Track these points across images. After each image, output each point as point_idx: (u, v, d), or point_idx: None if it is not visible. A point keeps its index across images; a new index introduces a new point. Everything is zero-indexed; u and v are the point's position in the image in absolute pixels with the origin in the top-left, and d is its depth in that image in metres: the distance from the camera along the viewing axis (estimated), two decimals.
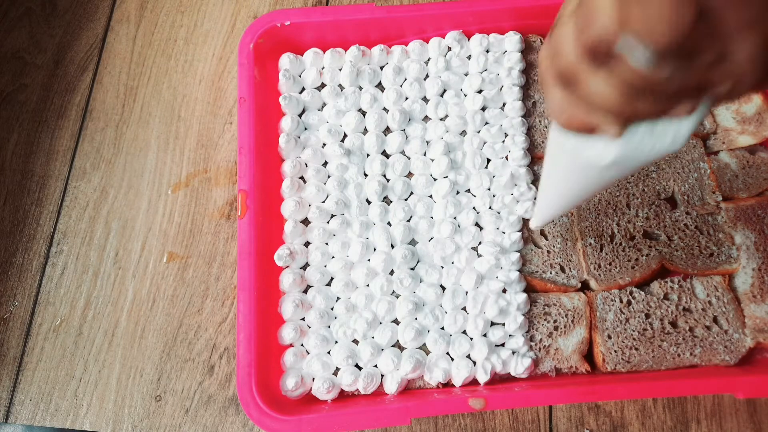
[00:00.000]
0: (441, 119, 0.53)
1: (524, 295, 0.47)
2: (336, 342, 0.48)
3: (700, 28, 0.20)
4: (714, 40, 0.22)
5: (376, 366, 0.47)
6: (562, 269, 0.49)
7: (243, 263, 0.46)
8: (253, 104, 0.51)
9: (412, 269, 0.49)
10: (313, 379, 0.46)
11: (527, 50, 0.55)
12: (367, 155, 0.53)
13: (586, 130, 0.28)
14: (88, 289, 0.55)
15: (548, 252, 0.50)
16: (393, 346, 0.47)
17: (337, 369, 0.47)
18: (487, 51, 0.55)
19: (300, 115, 0.54)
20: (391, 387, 0.45)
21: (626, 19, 0.21)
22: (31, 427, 0.52)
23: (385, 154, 0.53)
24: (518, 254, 0.49)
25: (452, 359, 0.46)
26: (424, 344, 0.47)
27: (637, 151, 0.28)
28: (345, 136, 0.53)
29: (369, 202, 0.51)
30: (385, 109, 0.54)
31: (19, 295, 0.55)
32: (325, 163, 0.53)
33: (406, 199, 0.51)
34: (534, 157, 0.52)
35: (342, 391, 0.46)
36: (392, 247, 0.49)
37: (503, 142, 0.53)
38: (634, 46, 0.22)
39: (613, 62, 0.23)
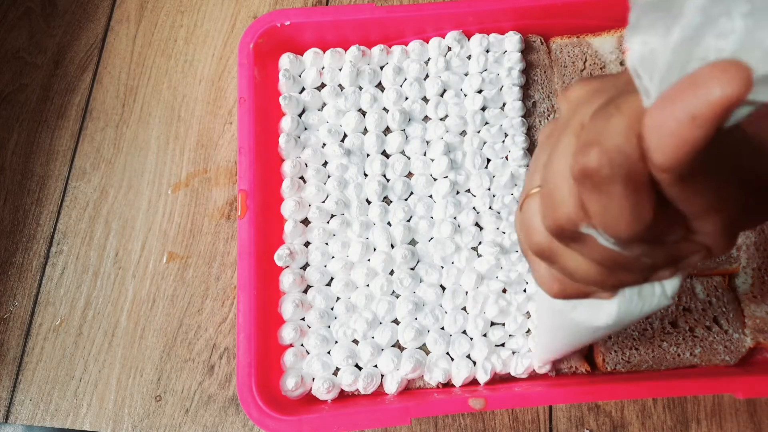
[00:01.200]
0: (441, 119, 0.53)
1: (524, 295, 0.47)
2: (336, 342, 0.48)
3: (660, 218, 0.20)
4: (677, 225, 0.22)
5: (376, 366, 0.47)
6: None
7: (243, 263, 0.46)
8: (253, 104, 0.51)
9: (412, 269, 0.49)
10: (313, 379, 0.46)
11: (527, 50, 0.55)
12: (367, 155, 0.53)
13: (579, 297, 0.27)
14: (88, 289, 0.55)
15: None
16: (393, 346, 0.47)
17: (337, 369, 0.47)
18: (487, 51, 0.55)
19: (300, 115, 0.54)
20: (391, 387, 0.45)
21: (586, 214, 0.21)
22: (31, 427, 0.52)
23: (385, 154, 0.53)
24: (518, 253, 0.49)
25: (452, 359, 0.46)
26: (424, 344, 0.47)
27: (628, 313, 0.27)
28: (345, 136, 0.53)
29: (369, 202, 0.51)
30: (385, 109, 0.54)
31: (19, 295, 0.55)
32: (325, 163, 0.53)
33: (406, 199, 0.51)
34: None
35: (342, 391, 0.46)
36: (392, 247, 0.49)
37: (503, 142, 0.53)
38: (599, 234, 0.22)
39: (582, 242, 0.23)
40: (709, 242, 0.22)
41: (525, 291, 0.48)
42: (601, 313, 0.27)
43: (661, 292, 0.27)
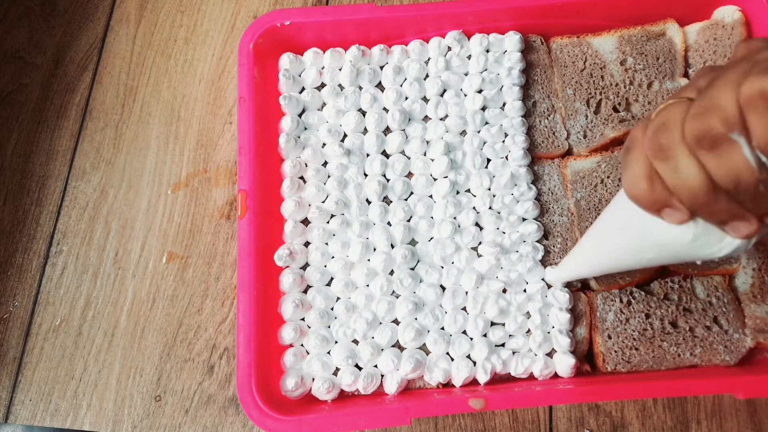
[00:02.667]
0: (441, 119, 0.53)
1: (524, 295, 0.47)
2: (336, 342, 0.48)
3: None
4: None
5: (376, 366, 0.47)
6: None
7: (243, 263, 0.46)
8: (253, 104, 0.50)
9: (412, 269, 0.49)
10: (313, 379, 0.46)
11: (527, 50, 0.55)
12: (367, 155, 0.53)
13: (654, 207, 0.30)
14: (88, 289, 0.55)
15: (548, 252, 0.50)
16: (393, 346, 0.47)
17: (337, 369, 0.47)
18: (487, 51, 0.55)
19: (300, 115, 0.54)
20: (391, 387, 0.45)
21: (744, 125, 0.24)
22: (31, 427, 0.52)
23: (385, 154, 0.53)
24: (518, 253, 0.49)
25: (452, 359, 0.46)
26: (424, 344, 0.47)
27: (693, 244, 0.30)
28: (345, 136, 0.53)
29: (369, 202, 0.51)
30: (385, 109, 0.54)
31: (18, 295, 0.55)
32: (325, 163, 0.53)
33: (406, 199, 0.51)
34: (534, 156, 0.52)
35: (342, 391, 0.46)
36: (392, 247, 0.49)
37: (503, 142, 0.53)
38: (746, 145, 0.24)
39: (719, 149, 0.25)
40: None
41: (525, 291, 0.48)
42: (674, 230, 0.30)
43: (720, 246, 0.30)
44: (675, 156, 0.27)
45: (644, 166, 0.29)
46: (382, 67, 0.55)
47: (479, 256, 0.49)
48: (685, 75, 0.54)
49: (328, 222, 0.50)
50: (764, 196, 0.26)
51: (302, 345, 0.48)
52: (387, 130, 0.54)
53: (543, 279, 0.48)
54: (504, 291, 0.48)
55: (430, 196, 0.52)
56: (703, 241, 0.30)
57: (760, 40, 0.27)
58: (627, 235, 0.35)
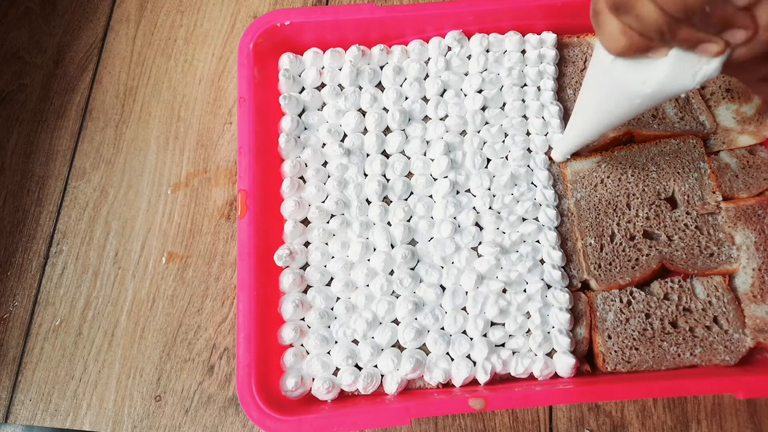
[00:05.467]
0: (441, 119, 0.53)
1: (524, 295, 0.47)
2: (336, 342, 0.48)
3: None
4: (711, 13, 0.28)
5: (376, 366, 0.47)
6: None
7: (243, 263, 0.46)
8: (253, 104, 0.50)
9: (412, 269, 0.49)
10: (313, 379, 0.46)
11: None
12: (367, 155, 0.53)
13: (639, 51, 0.33)
14: (88, 289, 0.55)
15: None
16: (393, 346, 0.47)
17: (337, 369, 0.47)
18: (487, 51, 0.55)
19: (300, 115, 0.54)
20: (391, 387, 0.45)
21: None
22: (31, 427, 0.52)
23: (385, 154, 0.53)
24: (518, 253, 0.49)
25: (452, 359, 0.46)
26: (424, 344, 0.47)
27: (668, 82, 0.34)
28: (345, 135, 0.53)
29: (369, 202, 0.51)
30: (385, 108, 0.54)
31: (18, 295, 0.55)
32: (325, 163, 0.53)
33: (406, 199, 0.51)
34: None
35: (342, 391, 0.46)
36: (392, 247, 0.49)
37: (503, 142, 0.53)
38: None
39: None
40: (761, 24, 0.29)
41: (525, 291, 0.48)
42: (650, 75, 0.34)
43: (692, 76, 0.33)
44: (633, 5, 0.30)
45: (614, 23, 0.32)
46: (382, 67, 0.55)
47: (479, 256, 0.49)
48: None
49: (328, 222, 0.50)
50: (713, 16, 0.30)
51: (302, 345, 0.48)
52: (387, 130, 0.54)
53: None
54: (504, 291, 0.48)
55: (430, 196, 0.52)
56: (678, 71, 0.33)
57: None
58: (613, 90, 0.38)
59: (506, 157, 0.52)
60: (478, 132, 0.53)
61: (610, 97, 0.39)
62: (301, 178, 0.52)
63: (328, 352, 0.47)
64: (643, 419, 0.49)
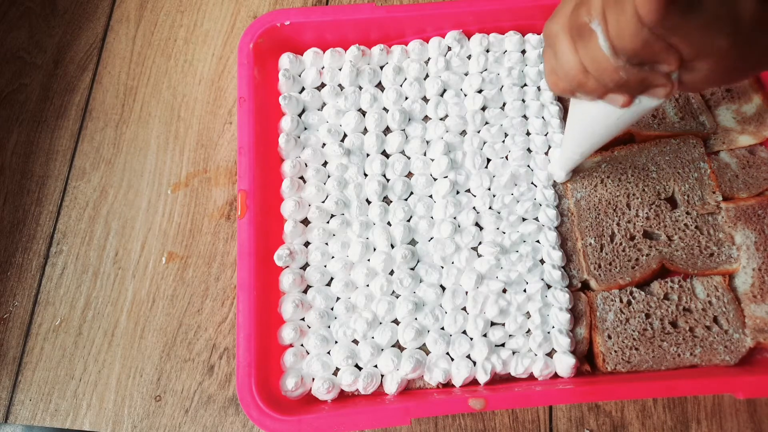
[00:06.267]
0: (441, 119, 0.53)
1: (524, 295, 0.47)
2: (336, 342, 0.47)
3: (655, 44, 0.26)
4: (671, 56, 0.27)
5: (376, 366, 0.47)
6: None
7: (243, 263, 0.46)
8: (253, 104, 0.50)
9: (412, 269, 0.49)
10: (313, 379, 0.46)
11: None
12: (367, 155, 0.53)
13: (568, 93, 0.34)
14: (88, 289, 0.55)
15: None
16: (393, 346, 0.47)
17: (337, 369, 0.47)
18: (487, 51, 0.55)
19: (300, 115, 0.54)
20: (391, 387, 0.45)
21: (604, 17, 0.27)
22: (31, 427, 0.52)
23: (385, 154, 0.53)
24: (518, 253, 0.49)
25: (452, 359, 0.46)
26: (424, 344, 0.47)
27: (636, 103, 0.34)
28: (345, 135, 0.53)
29: (369, 202, 0.51)
30: (385, 108, 0.54)
31: (18, 295, 0.55)
32: (325, 163, 0.53)
33: (406, 199, 0.51)
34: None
35: (342, 391, 0.46)
36: (392, 247, 0.49)
37: (503, 142, 0.53)
38: (601, 33, 0.28)
39: (585, 37, 0.29)
40: (691, 79, 0.28)
41: (525, 291, 0.48)
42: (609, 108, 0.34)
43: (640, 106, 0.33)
44: (557, 42, 0.31)
45: (549, 65, 0.33)
46: (382, 67, 0.55)
47: (479, 256, 0.49)
48: None
49: (328, 222, 0.50)
50: (625, 81, 0.29)
51: (302, 345, 0.48)
52: (387, 130, 0.54)
53: (566, 266, 0.49)
54: (504, 291, 0.48)
55: (430, 196, 0.52)
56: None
57: None
58: (591, 109, 0.38)
59: (506, 157, 0.52)
60: (478, 132, 0.53)
61: (591, 117, 0.39)
62: (301, 178, 0.52)
63: (328, 352, 0.47)
64: (643, 419, 0.49)
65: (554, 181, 0.51)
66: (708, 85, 0.30)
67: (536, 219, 0.50)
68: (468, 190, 0.52)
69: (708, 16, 0.25)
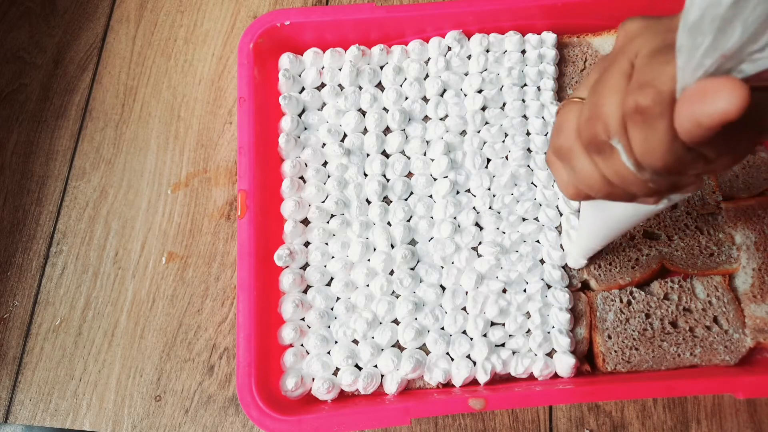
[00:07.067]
0: (441, 119, 0.53)
1: (524, 295, 0.47)
2: (336, 342, 0.48)
3: (687, 155, 0.25)
4: (698, 162, 0.26)
5: (376, 366, 0.47)
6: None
7: (243, 263, 0.46)
8: (252, 104, 0.50)
9: (412, 269, 0.49)
10: (313, 379, 0.46)
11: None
12: (367, 155, 0.53)
13: (587, 199, 0.33)
14: (88, 289, 0.55)
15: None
16: (393, 346, 0.47)
17: (337, 369, 0.47)
18: (487, 51, 0.55)
19: (300, 115, 0.54)
20: (391, 387, 0.45)
21: (624, 134, 0.25)
22: (31, 427, 0.52)
23: (385, 154, 0.53)
24: (518, 253, 0.49)
25: (452, 359, 0.46)
26: (424, 344, 0.47)
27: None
28: (345, 135, 0.53)
29: (369, 202, 0.51)
30: (385, 108, 0.54)
31: (18, 295, 0.55)
32: (325, 163, 0.53)
33: (406, 199, 0.51)
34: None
35: (342, 391, 0.46)
36: (392, 247, 0.49)
37: (503, 142, 0.53)
38: (623, 152, 0.26)
39: (604, 153, 0.27)
40: (711, 169, 0.27)
41: (525, 291, 0.48)
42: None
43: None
44: (573, 157, 0.30)
45: (565, 173, 0.32)
46: (382, 67, 0.55)
47: (479, 256, 0.49)
48: None
49: (328, 222, 0.50)
50: (655, 189, 0.28)
51: (302, 345, 0.48)
52: (387, 130, 0.54)
53: (566, 266, 0.49)
54: (504, 291, 0.48)
55: (430, 196, 0.52)
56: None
57: (634, 21, 0.28)
58: (601, 205, 0.38)
59: (506, 157, 0.52)
60: (478, 132, 0.53)
61: (616, 216, 0.38)
62: (301, 178, 0.52)
63: (328, 352, 0.47)
64: (643, 419, 0.49)
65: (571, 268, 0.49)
66: (725, 170, 0.30)
67: (536, 219, 0.50)
68: (468, 190, 0.52)
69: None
